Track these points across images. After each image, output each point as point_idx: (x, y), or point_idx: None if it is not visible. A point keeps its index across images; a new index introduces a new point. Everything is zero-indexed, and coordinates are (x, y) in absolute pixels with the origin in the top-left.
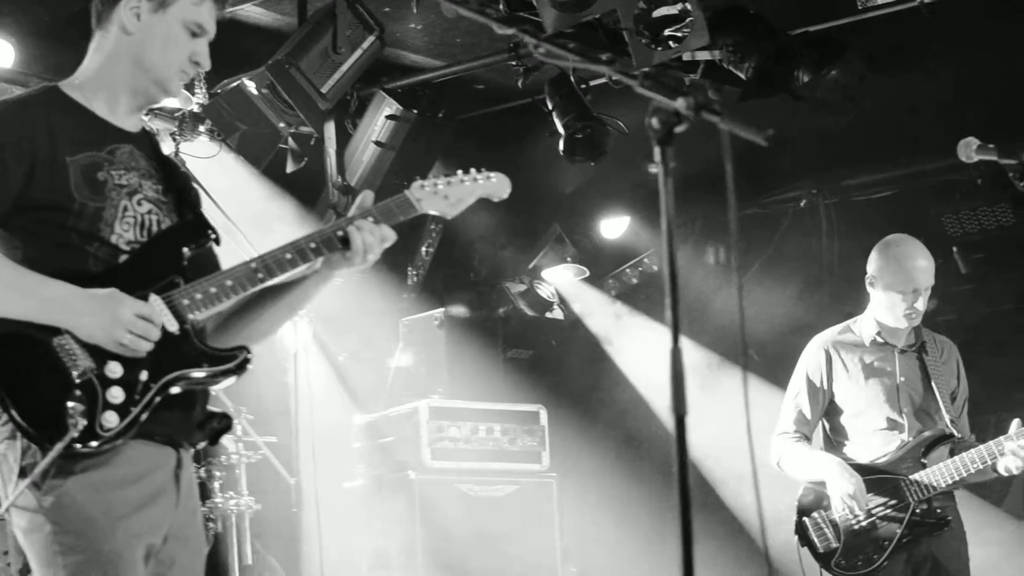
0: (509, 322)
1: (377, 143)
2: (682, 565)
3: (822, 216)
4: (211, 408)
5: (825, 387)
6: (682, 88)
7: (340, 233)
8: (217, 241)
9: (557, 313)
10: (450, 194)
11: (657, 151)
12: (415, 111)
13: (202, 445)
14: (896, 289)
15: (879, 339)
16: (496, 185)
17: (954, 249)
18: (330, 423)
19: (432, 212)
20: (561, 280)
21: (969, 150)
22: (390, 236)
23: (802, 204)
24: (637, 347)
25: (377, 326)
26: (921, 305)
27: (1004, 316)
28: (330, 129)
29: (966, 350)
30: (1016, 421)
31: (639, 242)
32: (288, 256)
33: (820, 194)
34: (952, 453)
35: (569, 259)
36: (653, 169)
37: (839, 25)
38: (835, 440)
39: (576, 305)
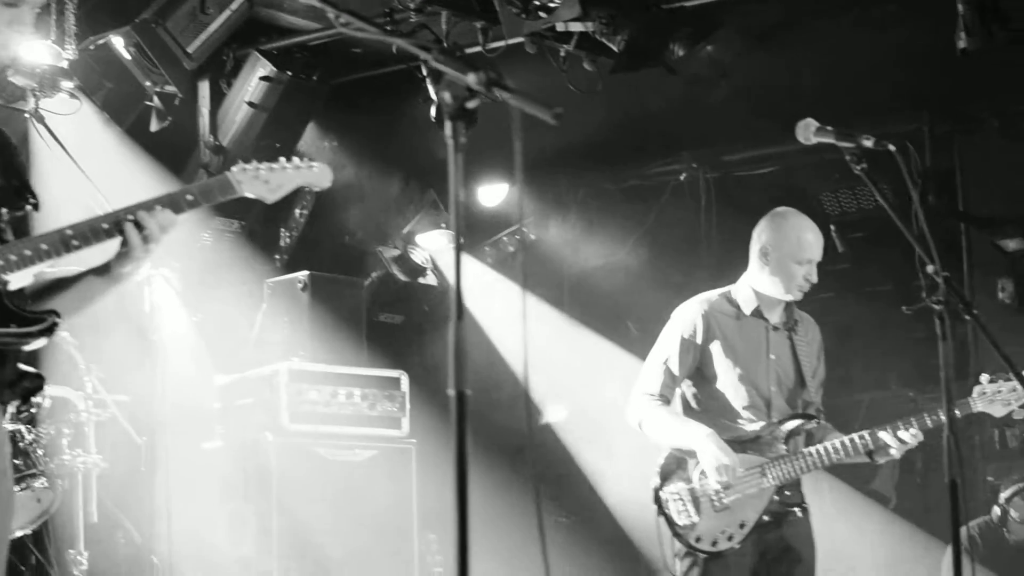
0: (381, 286)
1: (250, 104)
2: (456, 539)
3: (701, 190)
4: (23, 367)
5: (699, 347)
6: (474, 64)
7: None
8: (36, 207)
9: (430, 279)
10: (271, 179)
11: (449, 126)
12: (289, 73)
13: (12, 406)
14: (794, 259)
15: (755, 312)
16: (317, 175)
17: (831, 227)
18: (190, 383)
19: (251, 195)
20: (435, 246)
21: (808, 132)
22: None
23: (682, 178)
24: (508, 317)
25: (243, 287)
26: (814, 276)
27: (881, 295)
28: (204, 88)
29: (843, 329)
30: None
31: (517, 210)
32: (104, 227)
33: (700, 168)
34: (816, 436)
35: (443, 225)
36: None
37: (722, 1)
38: (698, 410)
39: (450, 272)
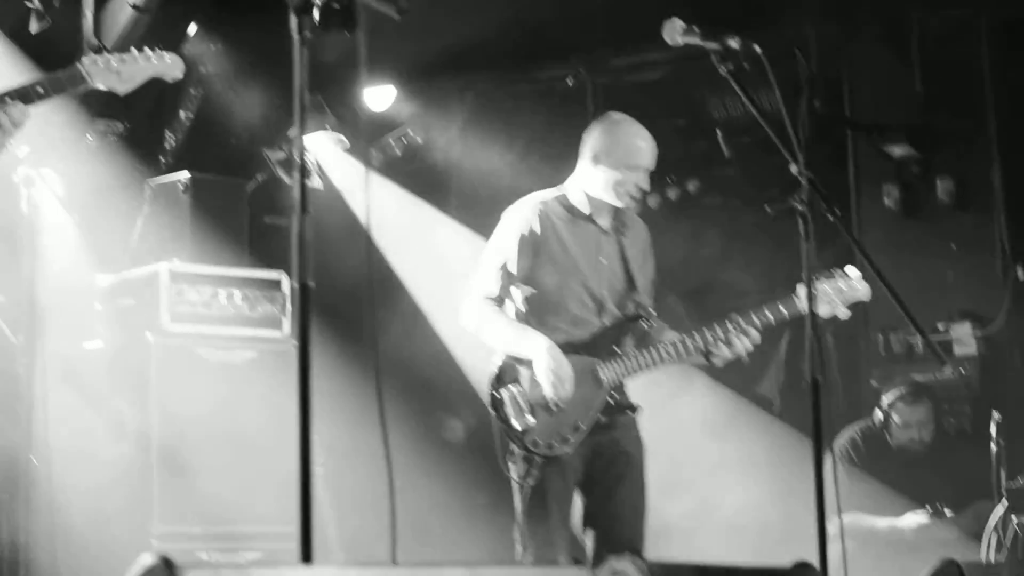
0: (267, 189)
1: (134, 6)
2: (300, 422)
3: (589, 95)
4: None
5: (535, 247)
6: None
7: None
8: None
9: (316, 182)
10: (122, 71)
11: (294, 20)
12: None
13: None
14: (624, 166)
15: (588, 215)
16: (169, 66)
17: (718, 132)
18: (72, 284)
19: (102, 86)
20: (321, 149)
21: (674, 32)
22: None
23: (570, 83)
24: (395, 219)
25: (126, 189)
26: (645, 184)
27: (770, 201)
28: None
29: (729, 233)
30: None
31: (404, 113)
32: None
33: (589, 73)
34: (651, 337)
35: (329, 128)
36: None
37: None
38: (528, 315)
39: (336, 175)
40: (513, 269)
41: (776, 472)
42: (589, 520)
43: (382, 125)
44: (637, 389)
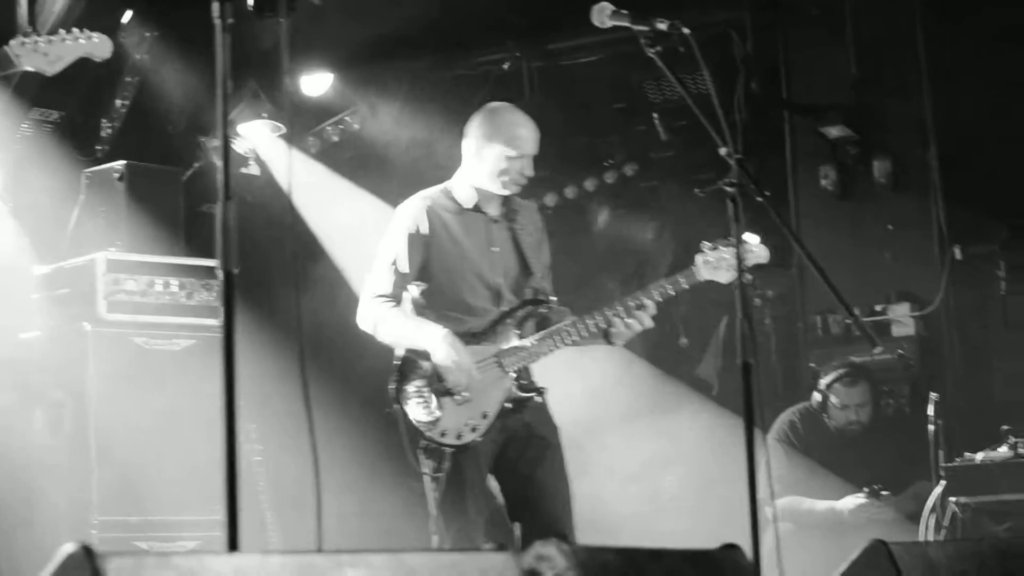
0: (204, 177)
1: None
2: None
3: (525, 80)
4: None
5: (424, 243)
6: None
7: None
8: None
9: (253, 169)
10: (50, 51)
11: (216, 7)
12: None
13: None
14: (505, 154)
15: (475, 206)
16: (97, 45)
17: (655, 116)
18: (9, 273)
19: (30, 68)
20: (257, 136)
21: (603, 15)
22: None
23: (506, 67)
24: (331, 207)
25: (62, 178)
26: (529, 171)
27: (704, 183)
28: None
29: (669, 214)
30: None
31: (342, 100)
32: None
33: (524, 58)
34: (551, 320)
35: (265, 115)
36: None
37: None
38: (425, 308)
39: (272, 162)
40: (404, 268)
41: (714, 456)
42: (513, 507)
43: (319, 112)
44: (571, 375)
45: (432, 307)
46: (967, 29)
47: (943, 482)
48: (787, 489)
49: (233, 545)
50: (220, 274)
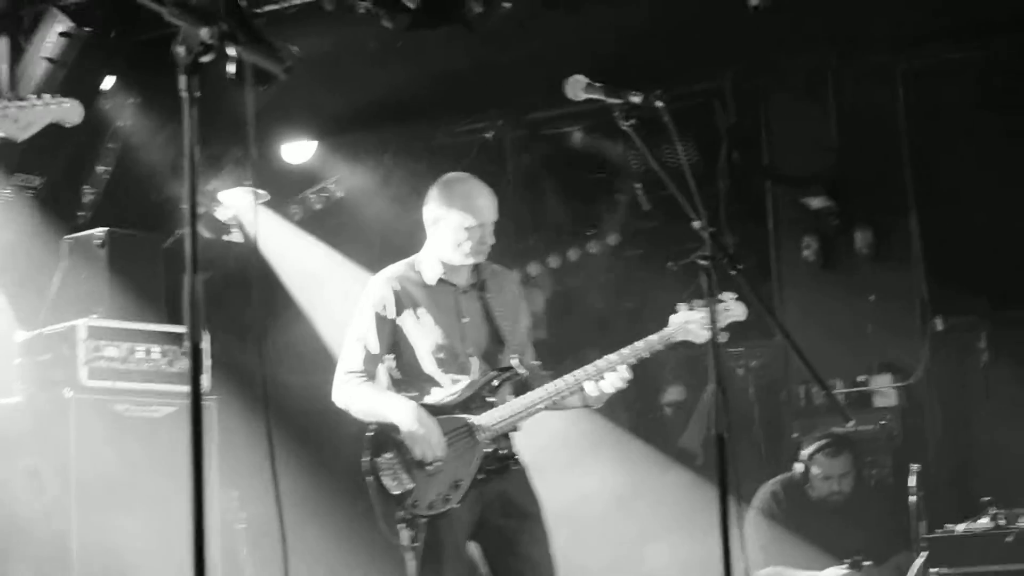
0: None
1: (48, 59)
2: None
3: (507, 148)
4: None
5: (391, 322)
6: (209, 18)
7: None
8: None
9: (236, 236)
10: (20, 117)
11: (183, 79)
12: (87, 28)
13: None
14: (465, 225)
15: (442, 279)
16: (68, 111)
17: (637, 186)
18: None
19: (1, 133)
20: (241, 203)
21: (576, 88)
22: None
23: (488, 136)
24: (314, 273)
25: (44, 244)
26: (490, 239)
27: (688, 253)
28: (2, 44)
29: (653, 286)
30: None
31: (325, 167)
32: None
33: (506, 127)
34: (526, 387)
35: (248, 182)
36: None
37: None
38: (400, 380)
39: (256, 229)
40: (372, 347)
41: (698, 528)
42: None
43: (302, 179)
44: (552, 447)
45: (406, 379)
46: (948, 99)
47: (924, 553)
48: (770, 560)
49: None
50: (189, 346)
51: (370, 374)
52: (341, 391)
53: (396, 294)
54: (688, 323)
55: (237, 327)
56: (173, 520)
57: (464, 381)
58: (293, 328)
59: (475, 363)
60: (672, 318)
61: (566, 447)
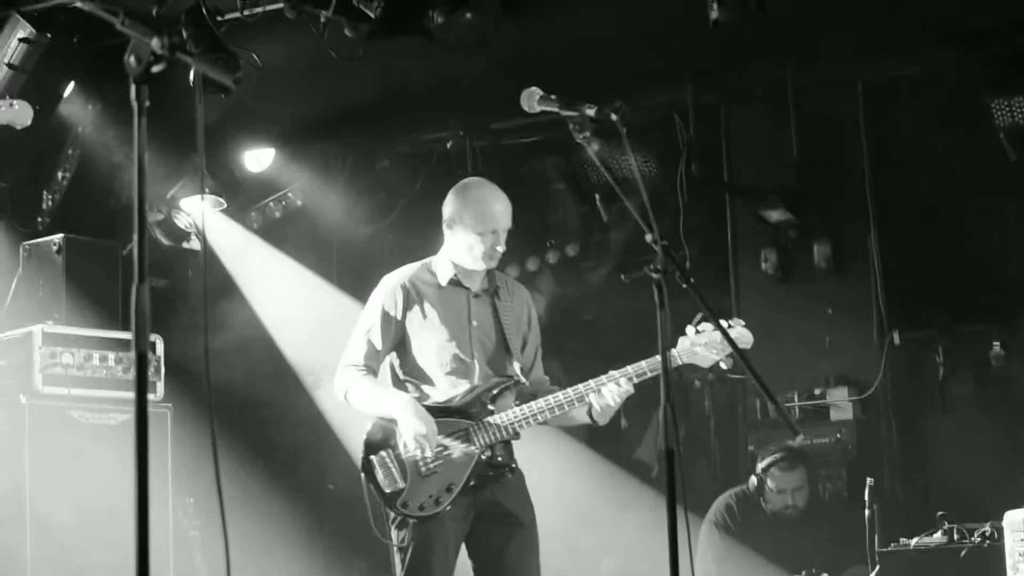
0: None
1: (9, 65)
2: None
3: (468, 158)
4: None
5: (399, 319)
6: (159, 28)
7: None
8: None
9: (194, 244)
10: None
11: (134, 89)
12: (49, 35)
13: None
14: (476, 230)
15: (454, 281)
16: (17, 112)
17: (597, 196)
18: None
19: None
20: (199, 211)
21: (531, 100)
22: None
23: (449, 145)
24: (270, 282)
25: (1, 248)
26: (501, 247)
27: (644, 264)
28: None
29: (611, 299)
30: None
31: (284, 176)
32: None
33: (468, 136)
34: (523, 399)
35: (207, 190)
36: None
37: None
38: (404, 379)
39: (214, 237)
40: (377, 342)
41: (652, 540)
42: None
43: (261, 187)
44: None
45: (410, 378)
46: (907, 113)
47: (878, 567)
48: (724, 573)
49: None
50: (134, 354)
51: (371, 369)
52: (342, 381)
53: (406, 293)
54: (695, 346)
55: (193, 334)
56: (128, 528)
57: (466, 385)
58: (246, 334)
59: (479, 368)
60: (680, 340)
61: (522, 459)
